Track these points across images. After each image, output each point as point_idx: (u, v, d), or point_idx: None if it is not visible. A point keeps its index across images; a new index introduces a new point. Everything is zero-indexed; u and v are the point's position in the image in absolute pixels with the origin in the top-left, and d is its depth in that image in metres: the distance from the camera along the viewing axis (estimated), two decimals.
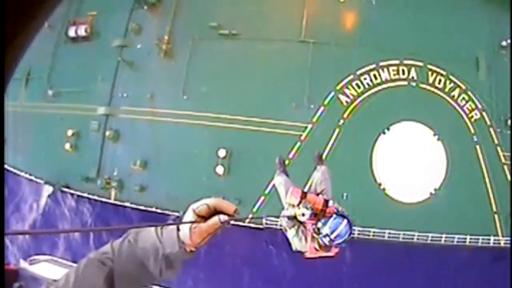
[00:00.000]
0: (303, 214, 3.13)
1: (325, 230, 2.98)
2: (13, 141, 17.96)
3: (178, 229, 1.67)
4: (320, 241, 3.06)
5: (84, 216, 18.01)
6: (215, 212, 1.70)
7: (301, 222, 3.36)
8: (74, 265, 1.62)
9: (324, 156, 5.55)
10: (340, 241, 2.98)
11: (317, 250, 3.23)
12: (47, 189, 18.23)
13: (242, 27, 15.84)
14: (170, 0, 16.85)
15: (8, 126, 17.59)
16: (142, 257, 1.63)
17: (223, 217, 1.66)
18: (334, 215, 3.06)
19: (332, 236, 2.96)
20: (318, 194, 3.75)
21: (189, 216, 1.71)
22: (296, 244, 3.51)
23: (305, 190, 3.79)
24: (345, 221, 2.98)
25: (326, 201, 3.35)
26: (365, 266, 15.16)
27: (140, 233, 1.68)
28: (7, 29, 0.80)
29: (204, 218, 1.68)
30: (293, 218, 3.37)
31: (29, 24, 0.87)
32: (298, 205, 3.28)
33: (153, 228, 1.68)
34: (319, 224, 3.04)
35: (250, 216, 14.61)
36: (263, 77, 15.47)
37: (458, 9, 16.37)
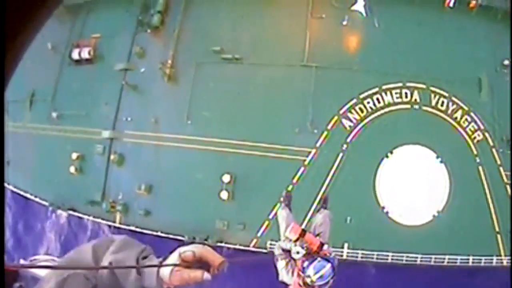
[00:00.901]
0: (298, 252, 3.32)
1: (309, 271, 3.15)
2: (18, 162, 18.09)
3: (158, 267, 1.71)
4: (305, 279, 3.20)
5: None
6: (200, 260, 1.72)
7: (293, 258, 3.54)
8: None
9: (328, 200, 5.71)
10: (321, 283, 3.13)
11: (300, 286, 3.39)
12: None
13: (245, 52, 15.93)
14: (174, 24, 16.92)
15: (12, 147, 17.75)
16: (122, 284, 1.67)
17: (207, 276, 1.69)
18: (319, 258, 3.21)
19: (314, 278, 3.12)
20: (316, 236, 3.89)
21: (174, 258, 1.73)
22: (283, 275, 3.72)
23: (305, 228, 3.93)
24: (329, 265, 3.13)
25: (322, 244, 3.52)
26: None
27: (122, 260, 1.70)
28: (7, 29, 0.80)
29: (187, 263, 1.71)
30: (287, 251, 3.50)
31: (30, 24, 0.86)
32: (295, 241, 3.44)
33: (133, 256, 1.70)
34: (305, 264, 3.20)
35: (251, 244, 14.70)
36: (266, 102, 15.57)
37: (460, 30, 16.44)
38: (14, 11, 0.80)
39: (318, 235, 3.91)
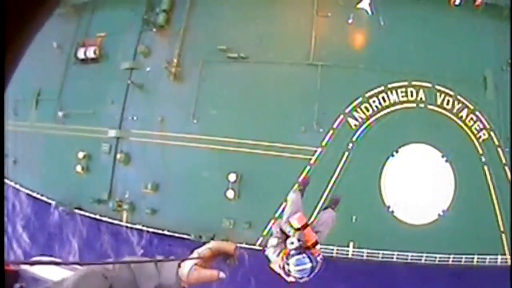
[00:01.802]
0: (292, 243, 3.42)
1: (292, 261, 3.32)
2: (25, 162, 18.24)
3: (178, 265, 1.79)
4: (285, 266, 3.39)
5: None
6: (218, 253, 1.86)
7: (284, 243, 3.65)
8: (77, 266, 1.72)
9: (340, 203, 5.77)
10: (297, 276, 3.32)
11: (279, 268, 3.49)
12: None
13: (251, 50, 15.93)
14: (179, 23, 16.92)
15: (20, 146, 17.88)
16: (139, 282, 1.72)
17: (222, 276, 1.80)
18: (305, 254, 3.33)
19: (292, 269, 3.30)
20: (315, 233, 4.01)
21: (193, 257, 1.83)
22: (270, 252, 3.88)
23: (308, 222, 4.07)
24: (310, 265, 3.29)
25: (317, 242, 3.62)
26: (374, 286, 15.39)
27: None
28: (7, 29, 0.80)
29: (206, 260, 1.82)
30: (283, 235, 3.59)
31: (30, 24, 0.85)
32: (296, 230, 3.54)
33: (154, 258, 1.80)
34: (292, 252, 3.37)
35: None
36: (272, 101, 15.59)
37: (465, 28, 16.38)
38: (14, 11, 0.80)
39: (316, 232, 3.99)
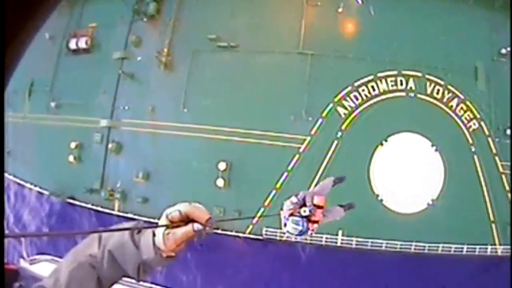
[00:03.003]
0: (304, 211, 4.09)
1: (292, 218, 3.96)
2: (18, 152, 18.33)
3: (154, 235, 1.66)
4: (286, 219, 4.06)
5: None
6: (188, 219, 1.66)
7: (299, 210, 4.16)
8: (62, 260, 1.68)
9: (342, 180, 6.19)
10: (289, 230, 3.99)
11: (282, 217, 4.15)
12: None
13: (241, 39, 15.96)
14: (169, 12, 16.95)
15: (13, 137, 17.97)
16: (122, 263, 1.67)
17: (197, 226, 1.63)
18: (303, 221, 3.94)
19: (288, 224, 3.93)
20: (323, 215, 4.53)
21: (162, 221, 1.68)
22: (286, 204, 4.33)
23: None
24: (301, 228, 3.93)
25: (318, 221, 4.17)
26: (363, 275, 15.45)
27: (119, 240, 1.68)
28: (7, 29, 0.81)
29: (177, 223, 1.66)
30: (302, 202, 4.20)
31: (29, 24, 0.87)
32: (314, 205, 4.12)
33: (128, 234, 1.68)
34: (297, 215, 3.99)
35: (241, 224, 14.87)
36: (262, 90, 15.64)
37: (457, 19, 16.33)
38: (14, 10, 0.81)
39: (323, 215, 4.43)
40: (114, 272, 1.67)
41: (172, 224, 1.65)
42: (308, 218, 3.97)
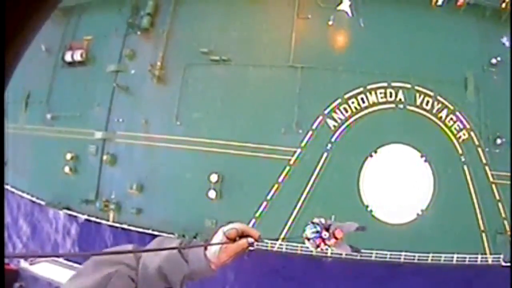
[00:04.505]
0: (325, 235, 4.91)
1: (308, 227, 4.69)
2: (15, 163, 18.67)
3: (205, 249, 1.83)
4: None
5: None
6: (242, 235, 1.89)
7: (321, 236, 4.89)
8: (75, 265, 1.83)
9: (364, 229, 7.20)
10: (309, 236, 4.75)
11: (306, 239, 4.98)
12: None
13: (233, 53, 16.18)
14: (163, 26, 17.20)
15: (10, 148, 18.31)
16: (169, 275, 1.74)
17: (251, 240, 1.87)
18: (319, 232, 4.68)
19: (307, 230, 4.66)
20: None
21: (218, 237, 1.87)
22: (309, 227, 5.14)
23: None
24: (311, 240, 4.70)
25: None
26: (353, 284, 15.68)
27: (169, 255, 1.77)
28: (7, 29, 0.80)
29: (231, 240, 1.86)
30: (324, 226, 5.03)
31: (29, 25, 0.86)
32: (333, 236, 4.78)
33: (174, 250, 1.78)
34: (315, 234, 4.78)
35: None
36: (253, 103, 15.86)
37: (447, 29, 16.45)
38: (13, 12, 0.80)
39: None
40: (158, 284, 1.75)
41: (229, 242, 1.86)
42: (322, 238, 4.63)
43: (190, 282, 1.82)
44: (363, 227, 6.95)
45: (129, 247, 1.78)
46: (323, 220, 5.23)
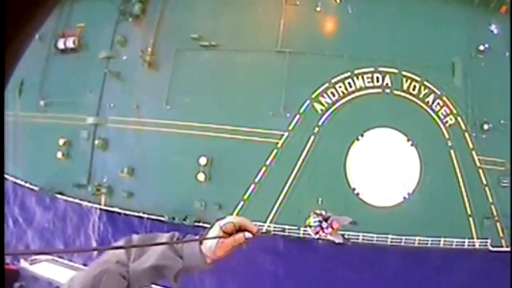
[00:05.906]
0: (326, 225, 6.94)
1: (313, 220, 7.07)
2: (8, 150, 18.88)
3: (200, 243, 1.79)
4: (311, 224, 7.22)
5: None
6: (239, 229, 1.82)
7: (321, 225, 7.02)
8: (75, 265, 1.90)
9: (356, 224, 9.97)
10: (312, 224, 7.11)
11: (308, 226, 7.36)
12: None
13: (222, 38, 16.40)
14: (154, 13, 17.42)
15: (4, 135, 18.52)
16: (163, 271, 1.74)
17: (248, 234, 1.82)
18: (320, 222, 6.85)
19: (311, 220, 7.04)
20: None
21: (215, 231, 1.80)
22: (312, 218, 7.26)
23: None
24: (315, 226, 7.08)
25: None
26: (340, 267, 15.86)
27: (163, 250, 1.75)
28: (7, 29, 0.80)
29: (228, 234, 1.80)
30: (325, 216, 7.04)
31: (29, 24, 0.87)
32: (331, 227, 6.94)
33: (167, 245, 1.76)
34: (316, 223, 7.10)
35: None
36: (242, 87, 16.08)
37: (435, 15, 16.60)
38: (14, 11, 0.80)
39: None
40: (151, 279, 1.75)
41: (226, 236, 1.80)
42: (322, 227, 6.34)
43: (185, 275, 1.81)
44: (355, 222, 8.42)
45: (121, 242, 1.80)
46: (323, 212, 6.44)
